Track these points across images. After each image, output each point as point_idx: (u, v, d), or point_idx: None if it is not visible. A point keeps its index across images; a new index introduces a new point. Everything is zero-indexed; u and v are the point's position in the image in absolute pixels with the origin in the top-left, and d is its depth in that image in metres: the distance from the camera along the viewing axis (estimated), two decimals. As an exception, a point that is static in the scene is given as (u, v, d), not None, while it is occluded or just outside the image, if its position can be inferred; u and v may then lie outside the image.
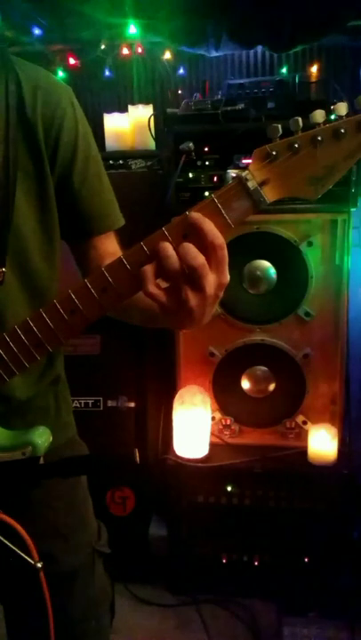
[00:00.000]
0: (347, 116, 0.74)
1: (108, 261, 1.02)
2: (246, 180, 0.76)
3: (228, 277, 0.77)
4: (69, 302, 0.82)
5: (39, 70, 0.97)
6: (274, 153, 0.75)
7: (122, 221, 1.07)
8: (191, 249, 0.74)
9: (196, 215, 0.75)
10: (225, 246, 0.75)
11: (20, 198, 0.93)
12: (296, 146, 0.75)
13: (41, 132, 0.93)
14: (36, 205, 0.96)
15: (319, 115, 0.74)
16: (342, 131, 0.73)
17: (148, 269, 0.76)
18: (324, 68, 2.23)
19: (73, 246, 1.07)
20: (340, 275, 1.94)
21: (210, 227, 0.74)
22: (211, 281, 0.75)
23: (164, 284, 0.77)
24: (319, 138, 0.74)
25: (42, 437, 0.93)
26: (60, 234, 1.02)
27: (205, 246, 0.74)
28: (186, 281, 0.75)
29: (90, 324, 0.84)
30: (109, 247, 1.06)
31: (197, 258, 0.74)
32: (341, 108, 0.73)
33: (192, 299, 0.75)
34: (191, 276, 0.74)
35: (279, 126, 0.76)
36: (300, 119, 0.75)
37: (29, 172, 0.93)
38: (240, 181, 0.76)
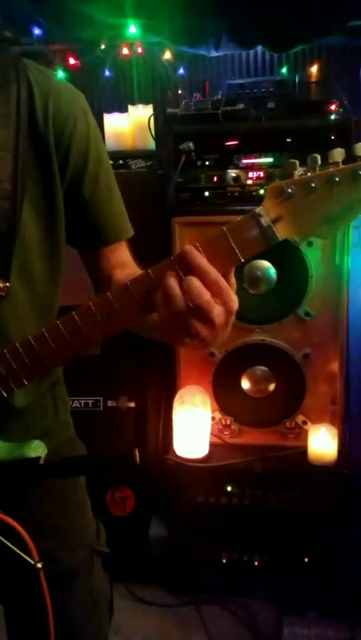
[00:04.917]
0: None
1: (118, 271, 1.02)
2: (260, 215, 0.75)
3: (235, 304, 0.76)
4: (72, 324, 0.81)
5: (51, 76, 0.96)
6: (289, 190, 0.74)
7: (131, 232, 1.07)
8: (195, 286, 0.73)
9: (187, 249, 0.74)
10: (220, 278, 0.74)
11: (28, 208, 0.92)
12: (313, 185, 0.74)
13: (52, 141, 0.92)
14: (43, 215, 0.95)
15: (338, 154, 0.73)
16: None
17: (160, 298, 0.76)
18: (325, 68, 2.23)
19: (83, 254, 1.06)
20: (340, 275, 1.94)
21: (199, 262, 0.74)
22: (219, 313, 0.75)
23: None
24: (337, 179, 0.73)
25: (36, 451, 0.93)
26: (65, 242, 1.01)
27: (203, 282, 0.74)
28: (194, 315, 0.74)
29: (91, 346, 0.83)
30: (120, 257, 1.05)
31: (202, 295, 0.73)
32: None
33: (202, 330, 0.75)
34: (199, 312, 0.74)
35: (297, 162, 0.75)
36: (318, 157, 0.74)
37: (38, 182, 0.93)
38: (253, 216, 0.75)
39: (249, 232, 0.76)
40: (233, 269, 0.78)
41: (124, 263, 1.05)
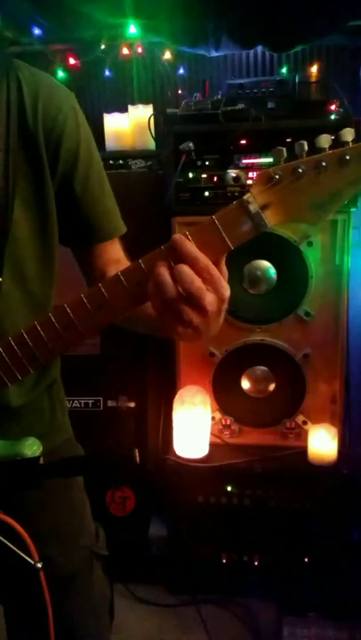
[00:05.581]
0: (353, 142, 0.73)
1: (111, 268, 1.03)
2: (248, 202, 0.75)
3: (227, 292, 0.76)
4: (64, 317, 0.81)
5: (41, 75, 0.96)
6: (277, 176, 0.74)
7: (124, 229, 1.07)
8: (186, 273, 0.73)
9: (176, 238, 0.75)
10: (211, 265, 0.75)
11: (19, 206, 0.92)
12: (300, 170, 0.74)
13: (42, 139, 0.92)
14: (35, 213, 0.95)
15: (325, 139, 0.73)
16: (347, 157, 0.72)
17: (152, 287, 0.76)
18: (325, 68, 2.22)
19: (76, 253, 1.07)
20: (340, 275, 1.94)
21: (188, 250, 0.74)
22: (211, 300, 0.75)
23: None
24: (324, 163, 0.73)
25: (31, 449, 0.93)
26: (58, 240, 1.02)
27: (193, 269, 0.74)
28: (186, 302, 0.74)
29: (84, 340, 0.83)
30: (113, 254, 1.05)
31: (193, 282, 0.73)
32: (348, 133, 0.73)
33: (195, 318, 0.75)
34: (190, 300, 0.74)
35: (284, 149, 0.75)
36: (305, 143, 0.74)
37: (29, 180, 0.93)
38: (242, 204, 0.75)
39: (238, 219, 0.76)
40: (224, 258, 0.78)
41: (117, 260, 1.05)
